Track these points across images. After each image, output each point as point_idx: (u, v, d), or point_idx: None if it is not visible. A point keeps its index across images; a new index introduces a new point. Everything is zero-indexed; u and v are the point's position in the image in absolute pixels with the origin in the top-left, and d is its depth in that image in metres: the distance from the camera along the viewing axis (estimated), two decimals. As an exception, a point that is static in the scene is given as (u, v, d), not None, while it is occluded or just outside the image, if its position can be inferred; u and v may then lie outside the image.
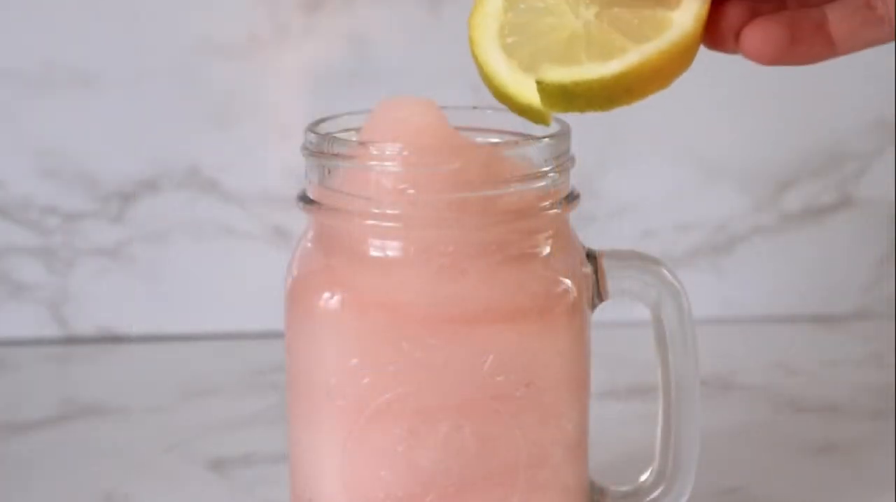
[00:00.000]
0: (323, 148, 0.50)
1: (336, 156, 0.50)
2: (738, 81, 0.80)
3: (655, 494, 0.55)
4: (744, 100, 0.83)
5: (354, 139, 0.51)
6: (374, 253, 0.49)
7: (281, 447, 0.57)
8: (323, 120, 0.52)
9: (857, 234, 0.86)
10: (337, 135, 0.51)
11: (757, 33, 0.46)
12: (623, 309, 0.58)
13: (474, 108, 0.52)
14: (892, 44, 0.76)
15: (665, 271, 0.53)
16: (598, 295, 0.53)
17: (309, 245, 0.52)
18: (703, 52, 0.48)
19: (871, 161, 0.85)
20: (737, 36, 0.47)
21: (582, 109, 0.46)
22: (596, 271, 0.52)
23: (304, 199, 0.51)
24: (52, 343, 0.83)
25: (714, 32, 0.47)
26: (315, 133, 0.51)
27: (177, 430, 0.70)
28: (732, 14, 0.47)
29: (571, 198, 0.51)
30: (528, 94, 0.46)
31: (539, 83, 0.45)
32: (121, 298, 0.84)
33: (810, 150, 0.85)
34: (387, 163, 0.49)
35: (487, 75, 0.47)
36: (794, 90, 0.83)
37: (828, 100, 0.84)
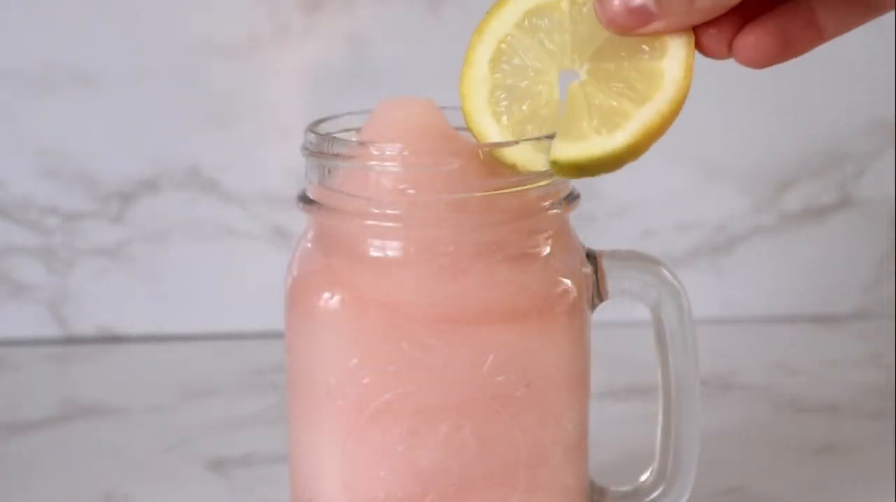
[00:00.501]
0: (323, 148, 0.50)
1: (336, 156, 0.50)
2: (739, 81, 0.80)
3: (655, 494, 0.54)
4: (744, 100, 0.83)
5: (354, 139, 0.51)
6: (374, 253, 0.49)
7: (281, 447, 0.57)
8: (323, 120, 0.52)
9: (857, 234, 0.86)
10: (337, 135, 0.51)
11: (749, 44, 0.47)
12: (623, 309, 0.58)
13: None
14: (892, 44, 0.77)
15: (665, 271, 0.53)
16: (598, 295, 0.52)
17: (309, 245, 0.52)
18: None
19: (871, 161, 0.85)
20: (729, 45, 0.47)
21: (593, 175, 0.47)
22: (596, 271, 0.52)
23: (304, 199, 0.51)
24: (52, 343, 0.83)
25: (706, 44, 0.47)
26: (315, 133, 0.51)
27: (177, 430, 0.70)
28: (723, 25, 0.47)
29: (571, 198, 0.51)
30: (521, 157, 0.48)
31: (554, 163, 0.47)
32: (121, 298, 0.84)
33: (810, 150, 0.85)
34: (387, 163, 0.49)
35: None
36: (794, 90, 0.83)
37: (828, 100, 0.84)
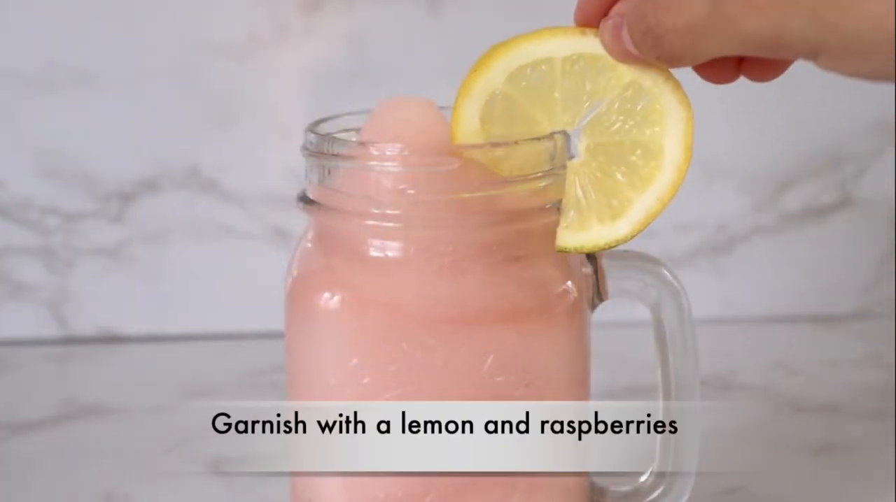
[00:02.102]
0: (323, 148, 0.50)
1: (336, 156, 0.50)
2: (739, 82, 0.80)
3: (655, 494, 0.54)
4: (744, 100, 0.83)
5: (354, 139, 0.51)
6: (374, 253, 0.49)
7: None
8: (323, 120, 0.52)
9: (857, 234, 0.86)
10: (337, 135, 0.51)
11: (755, 63, 0.47)
12: (623, 309, 0.58)
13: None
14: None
15: (665, 271, 0.53)
16: (598, 295, 0.52)
17: (309, 245, 0.52)
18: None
19: (871, 161, 0.85)
20: (737, 67, 0.47)
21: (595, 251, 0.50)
22: (596, 271, 0.52)
23: (304, 199, 0.51)
24: (52, 343, 0.83)
25: (713, 77, 0.47)
26: (315, 133, 0.51)
27: (177, 430, 0.69)
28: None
29: (571, 198, 0.51)
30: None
31: (562, 250, 0.49)
32: (121, 298, 0.84)
33: (810, 150, 0.85)
34: (387, 163, 0.49)
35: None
36: (794, 91, 0.83)
37: (828, 100, 0.84)
